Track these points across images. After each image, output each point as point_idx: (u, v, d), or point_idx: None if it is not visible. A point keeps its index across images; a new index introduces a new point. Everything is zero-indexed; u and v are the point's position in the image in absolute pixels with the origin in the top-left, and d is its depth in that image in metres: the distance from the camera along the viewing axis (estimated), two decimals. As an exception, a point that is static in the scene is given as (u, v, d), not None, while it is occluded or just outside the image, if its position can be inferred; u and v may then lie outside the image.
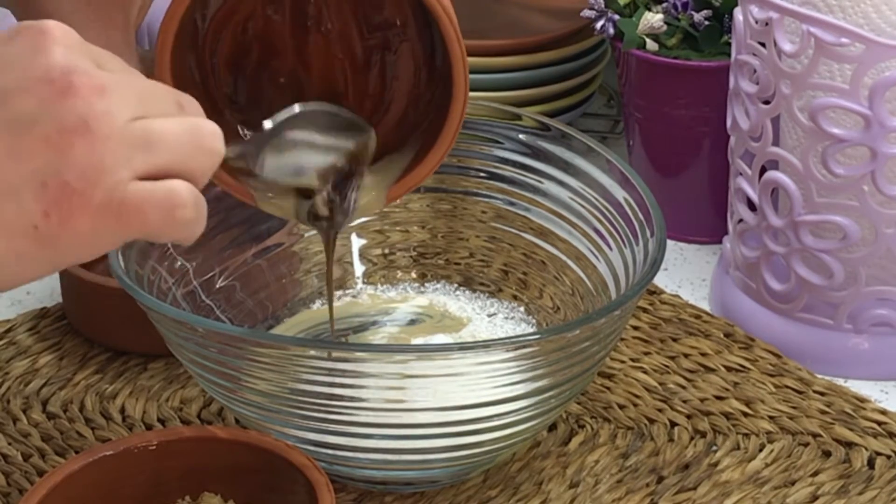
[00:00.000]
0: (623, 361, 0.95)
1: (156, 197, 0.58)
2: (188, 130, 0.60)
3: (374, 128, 0.78)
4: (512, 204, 0.95)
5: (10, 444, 0.88)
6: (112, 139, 0.57)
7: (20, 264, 0.58)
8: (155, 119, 0.59)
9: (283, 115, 0.72)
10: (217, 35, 0.78)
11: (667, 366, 0.94)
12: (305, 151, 0.75)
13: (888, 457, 0.87)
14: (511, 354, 0.76)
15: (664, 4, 1.05)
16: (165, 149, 0.59)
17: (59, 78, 0.58)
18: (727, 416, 0.90)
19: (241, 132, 0.78)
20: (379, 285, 0.97)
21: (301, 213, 0.78)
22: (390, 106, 0.81)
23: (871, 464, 0.87)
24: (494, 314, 0.94)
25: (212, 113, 0.76)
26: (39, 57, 0.58)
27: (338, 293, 0.96)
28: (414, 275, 0.97)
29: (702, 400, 0.91)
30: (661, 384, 0.93)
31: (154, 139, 0.59)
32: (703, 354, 0.95)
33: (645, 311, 0.99)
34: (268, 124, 0.72)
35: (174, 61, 0.75)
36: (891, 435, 0.88)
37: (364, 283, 0.96)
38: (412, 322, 0.94)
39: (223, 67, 0.79)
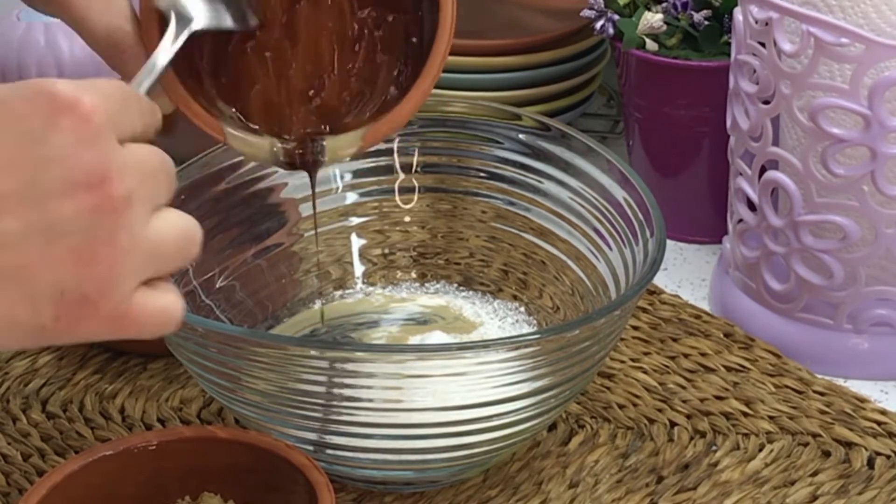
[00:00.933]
0: (623, 361, 0.95)
1: (155, 316, 0.61)
2: (183, 235, 0.62)
3: (357, 103, 0.78)
4: (512, 204, 0.95)
5: (9, 444, 0.88)
6: (132, 252, 0.59)
7: (11, 344, 0.60)
8: (158, 224, 0.61)
9: None
10: None
11: (667, 366, 0.94)
12: None
13: (888, 457, 0.87)
14: (511, 354, 0.76)
15: (664, 4, 1.05)
16: (166, 257, 0.61)
17: (98, 187, 0.58)
18: (727, 416, 0.90)
19: (222, 107, 0.77)
20: (380, 285, 0.97)
21: (272, 153, 0.77)
22: (375, 81, 0.80)
23: (870, 464, 0.87)
24: (504, 317, 0.94)
25: (196, 87, 0.76)
26: (81, 156, 0.58)
27: (338, 293, 0.96)
28: (414, 275, 0.97)
29: (702, 400, 0.91)
30: (660, 384, 0.93)
31: (159, 250, 0.61)
32: (703, 354, 0.95)
33: (645, 311, 0.99)
34: None
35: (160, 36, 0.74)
36: (890, 435, 0.88)
37: (364, 283, 0.96)
38: (425, 322, 0.94)
39: (208, 39, 0.77)
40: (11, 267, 0.57)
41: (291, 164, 0.77)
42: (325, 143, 0.77)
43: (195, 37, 0.72)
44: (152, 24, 0.72)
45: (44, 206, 0.57)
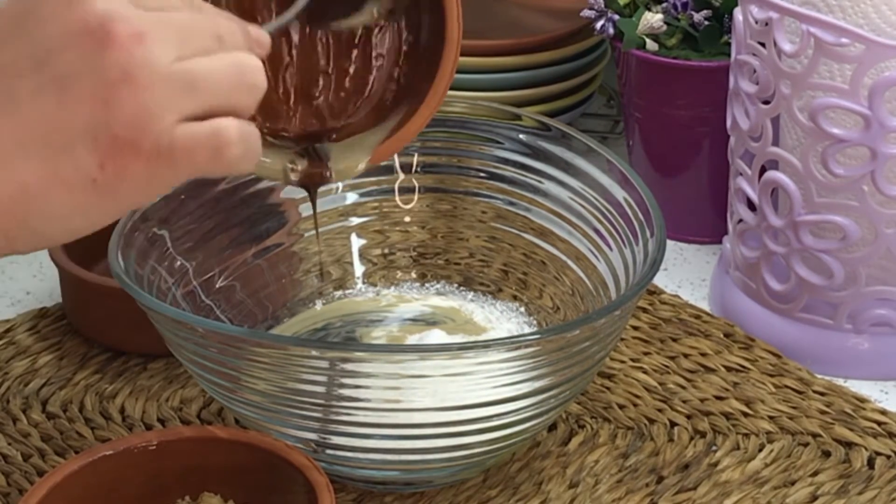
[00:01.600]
0: (623, 361, 0.95)
1: (203, 138, 0.59)
2: (230, 67, 0.60)
3: (355, 105, 0.78)
4: (512, 204, 0.95)
5: (9, 444, 0.88)
6: (155, 86, 0.58)
7: (85, 217, 0.59)
8: (197, 59, 0.60)
9: None
10: None
11: (667, 366, 0.94)
12: None
13: (888, 457, 0.87)
14: (511, 354, 0.76)
15: (664, 4, 1.05)
16: (208, 89, 0.60)
17: (98, 29, 0.58)
18: (727, 416, 0.90)
19: None
20: (380, 285, 0.97)
21: (284, 172, 0.77)
22: (373, 83, 0.80)
23: (870, 464, 0.87)
24: (509, 318, 0.94)
25: None
26: (75, 7, 0.58)
27: (338, 293, 0.96)
28: (414, 275, 0.97)
29: (702, 400, 0.91)
30: (660, 384, 0.93)
31: (197, 81, 0.59)
32: (703, 354, 0.95)
33: (645, 311, 0.99)
34: None
35: None
36: (890, 435, 0.88)
37: (364, 283, 0.96)
38: (433, 322, 0.94)
39: None
40: (36, 123, 0.58)
41: (303, 183, 0.79)
42: (333, 164, 0.78)
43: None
44: None
45: (48, 61, 0.58)
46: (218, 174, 0.62)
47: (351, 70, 0.79)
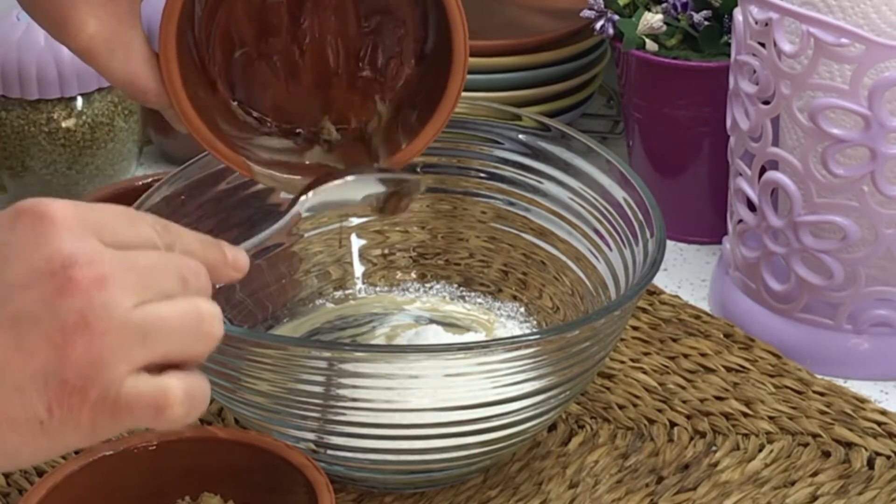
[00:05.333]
0: (623, 362, 0.95)
1: (145, 398, 0.59)
2: (187, 316, 0.60)
3: (363, 108, 0.79)
4: (512, 204, 0.95)
5: (9, 444, 0.88)
6: (110, 334, 0.58)
7: (31, 455, 0.60)
8: (154, 306, 0.60)
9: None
10: (213, 13, 0.78)
11: (666, 366, 0.94)
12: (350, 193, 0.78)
13: (888, 457, 0.87)
14: (511, 355, 0.76)
15: (664, 5, 1.05)
16: (164, 339, 0.60)
17: (60, 271, 0.58)
18: (727, 416, 0.90)
19: (235, 110, 0.79)
20: (380, 286, 0.97)
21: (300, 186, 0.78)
22: (382, 89, 0.81)
23: (870, 464, 0.87)
24: (511, 317, 0.95)
25: (209, 92, 0.77)
26: (42, 247, 0.58)
27: (338, 293, 0.96)
28: (414, 275, 0.97)
29: (701, 400, 0.91)
30: (660, 384, 0.93)
31: (152, 331, 0.59)
32: (703, 355, 0.95)
33: (645, 311, 0.99)
34: None
35: (178, 44, 0.75)
36: (890, 435, 0.88)
37: (364, 283, 0.96)
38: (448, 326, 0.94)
39: (218, 46, 0.79)
40: None
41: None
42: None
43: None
44: (171, 62, 0.75)
45: (9, 300, 0.58)
46: (161, 429, 0.63)
47: (361, 70, 0.81)
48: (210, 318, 0.61)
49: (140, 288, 0.59)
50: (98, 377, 0.58)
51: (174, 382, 0.60)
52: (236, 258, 0.65)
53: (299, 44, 0.80)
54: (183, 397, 0.60)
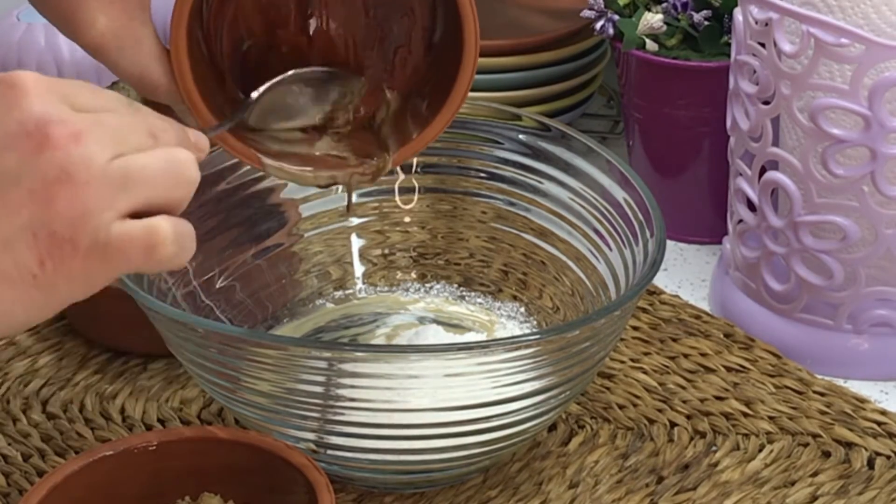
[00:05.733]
0: (623, 362, 0.95)
1: (136, 237, 0.61)
2: (163, 163, 0.62)
3: (372, 97, 0.79)
4: (512, 204, 0.95)
5: (9, 444, 0.88)
6: (92, 184, 0.60)
7: (25, 311, 0.61)
8: (132, 156, 0.62)
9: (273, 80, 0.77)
10: (222, 6, 0.78)
11: (667, 366, 0.94)
12: (298, 98, 0.78)
13: (888, 457, 0.87)
14: (511, 355, 0.76)
15: (664, 5, 1.05)
16: (143, 184, 0.62)
17: (35, 131, 0.60)
18: (727, 416, 0.90)
19: (244, 103, 0.79)
20: (380, 286, 0.97)
21: (312, 178, 0.78)
22: (391, 78, 0.81)
23: (870, 464, 0.87)
24: (511, 317, 0.95)
25: (219, 85, 0.77)
26: (14, 112, 0.60)
27: (338, 293, 0.96)
28: (414, 275, 0.97)
29: (701, 400, 0.91)
30: (660, 384, 0.93)
31: (132, 177, 0.61)
32: (703, 355, 0.95)
33: (645, 311, 0.99)
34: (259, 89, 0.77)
35: (188, 38, 0.75)
36: (890, 435, 0.88)
37: (364, 283, 0.96)
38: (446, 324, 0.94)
39: (227, 39, 0.79)
40: None
41: (328, 186, 0.80)
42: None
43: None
44: (182, 57, 0.75)
45: None
46: (153, 271, 0.64)
47: (370, 61, 0.81)
48: (185, 163, 0.63)
49: (115, 142, 0.61)
50: (85, 225, 0.60)
51: (162, 221, 0.62)
52: (198, 138, 0.67)
53: (307, 34, 0.80)
54: (173, 235, 0.62)
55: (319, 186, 0.80)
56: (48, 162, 0.60)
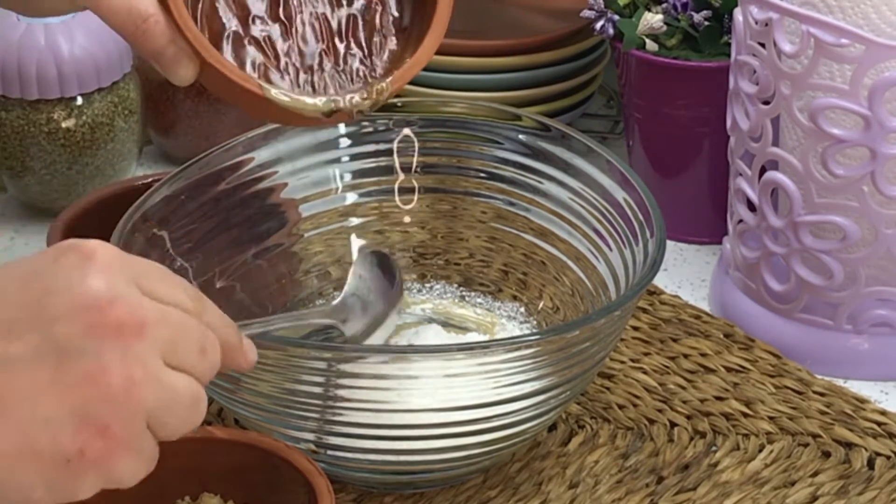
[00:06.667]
0: (623, 362, 0.95)
1: (146, 461, 0.62)
2: (191, 398, 0.62)
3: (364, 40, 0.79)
4: (512, 204, 0.95)
5: (9, 444, 0.88)
6: (144, 386, 0.59)
7: (46, 491, 0.59)
8: (174, 375, 0.61)
9: None
10: None
11: (667, 366, 0.94)
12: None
13: (888, 457, 0.87)
14: (511, 355, 0.76)
15: (664, 5, 1.05)
16: (173, 414, 0.61)
17: (106, 307, 0.59)
18: (727, 416, 0.90)
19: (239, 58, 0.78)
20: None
21: (313, 106, 0.77)
22: (371, 66, 0.80)
23: (870, 464, 0.87)
24: (512, 317, 0.95)
25: (213, 12, 0.75)
26: (85, 284, 0.59)
27: (338, 293, 0.96)
28: (414, 275, 0.97)
29: (701, 400, 0.91)
30: (660, 385, 0.93)
31: (171, 402, 0.61)
32: (703, 355, 0.95)
33: (645, 311, 0.99)
34: None
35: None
36: (890, 435, 0.88)
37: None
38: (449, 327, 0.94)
39: (206, 28, 0.77)
40: (25, 390, 0.58)
41: (331, 116, 0.77)
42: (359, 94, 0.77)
43: None
44: None
45: (50, 330, 0.58)
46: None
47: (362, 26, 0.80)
48: (202, 409, 0.63)
49: (169, 347, 0.60)
50: (135, 426, 0.59)
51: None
52: (250, 348, 0.67)
53: (284, 27, 0.79)
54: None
55: (320, 117, 0.77)
56: (111, 348, 0.59)
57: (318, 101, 0.76)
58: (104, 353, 0.58)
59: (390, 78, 0.77)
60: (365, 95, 0.77)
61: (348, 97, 0.76)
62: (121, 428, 0.59)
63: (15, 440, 0.57)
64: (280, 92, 0.75)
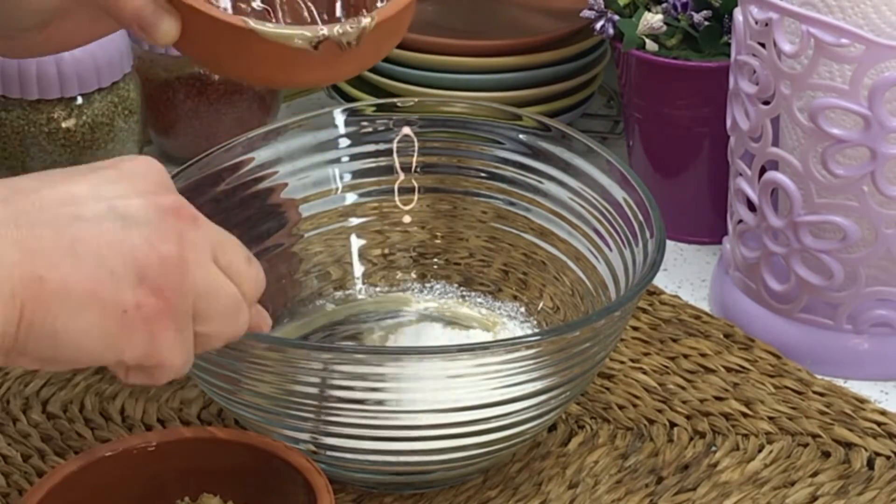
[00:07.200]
0: (623, 362, 0.95)
1: (184, 351, 0.65)
2: (235, 307, 0.67)
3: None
4: (512, 204, 0.95)
5: (9, 444, 0.88)
6: (196, 268, 0.64)
7: (97, 341, 0.63)
8: (222, 277, 0.66)
9: None
10: None
11: (666, 366, 0.94)
12: None
13: (888, 457, 0.87)
14: (511, 356, 0.76)
15: (664, 5, 1.05)
16: (216, 309, 0.66)
17: (164, 194, 0.65)
18: (727, 416, 0.90)
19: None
20: (380, 286, 0.97)
21: (301, 37, 0.75)
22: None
23: (870, 464, 0.87)
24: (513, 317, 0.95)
25: None
26: (152, 179, 0.65)
27: (338, 293, 0.96)
28: (414, 275, 0.97)
29: (701, 401, 0.91)
30: (660, 385, 0.93)
31: (217, 296, 0.66)
32: (703, 355, 0.95)
33: (645, 311, 0.99)
34: None
35: None
36: (890, 435, 0.88)
37: (364, 283, 0.96)
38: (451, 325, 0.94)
39: None
40: (95, 238, 0.62)
41: (318, 47, 0.75)
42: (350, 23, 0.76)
43: None
44: None
45: (116, 201, 0.63)
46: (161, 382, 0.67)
47: None
48: (245, 319, 0.68)
49: (219, 248, 0.66)
50: (182, 299, 0.64)
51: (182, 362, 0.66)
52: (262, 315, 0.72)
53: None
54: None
55: (308, 49, 0.74)
56: (171, 225, 0.64)
57: (305, 31, 0.75)
58: (164, 227, 0.63)
59: (376, 10, 0.77)
60: (352, 25, 0.76)
61: (336, 28, 0.76)
62: (173, 294, 0.63)
63: (86, 285, 0.61)
64: (264, 28, 0.74)
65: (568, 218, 0.92)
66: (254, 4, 0.79)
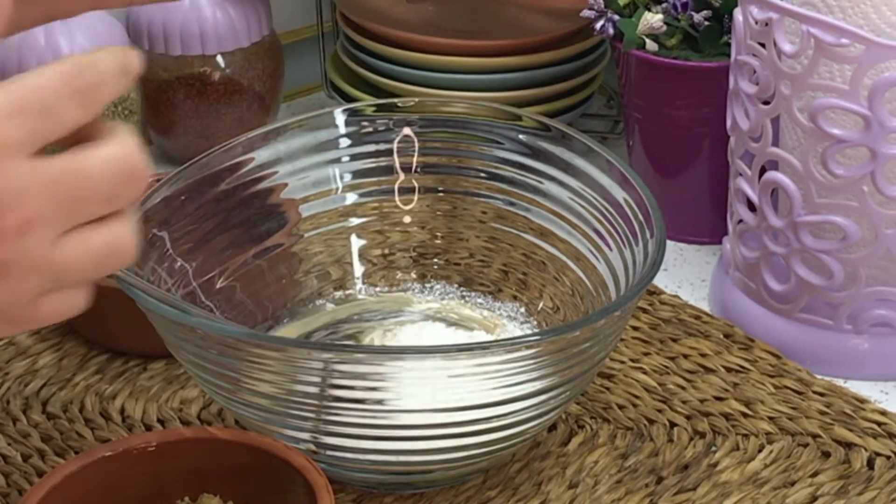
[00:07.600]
0: (623, 362, 0.95)
1: (54, 316, 0.61)
2: (103, 248, 0.61)
3: None
4: (512, 204, 0.95)
5: (9, 444, 0.88)
6: (26, 277, 0.59)
7: None
8: (74, 243, 0.60)
9: None
10: None
11: (666, 366, 0.94)
12: None
13: (888, 457, 0.87)
14: (511, 356, 0.76)
15: (664, 5, 1.05)
16: (73, 276, 0.60)
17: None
18: (727, 416, 0.90)
19: None
20: (380, 286, 0.97)
21: None
22: None
23: (870, 464, 0.87)
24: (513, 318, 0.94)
25: None
26: None
27: (338, 293, 0.96)
28: (414, 275, 0.97)
29: (701, 401, 0.91)
30: (660, 385, 0.93)
31: (66, 272, 0.60)
32: (703, 355, 0.95)
33: (645, 311, 0.99)
34: None
35: None
36: (890, 436, 0.88)
37: (364, 283, 0.96)
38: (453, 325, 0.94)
39: None
40: None
41: None
42: None
43: None
44: None
45: None
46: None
47: None
48: (125, 252, 0.61)
49: (66, 216, 0.60)
50: (11, 307, 0.59)
51: (75, 297, 0.61)
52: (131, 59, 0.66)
53: None
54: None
55: None
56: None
57: None
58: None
59: None
60: None
61: None
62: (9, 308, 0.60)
63: None
64: None
65: (568, 218, 0.92)
66: None
